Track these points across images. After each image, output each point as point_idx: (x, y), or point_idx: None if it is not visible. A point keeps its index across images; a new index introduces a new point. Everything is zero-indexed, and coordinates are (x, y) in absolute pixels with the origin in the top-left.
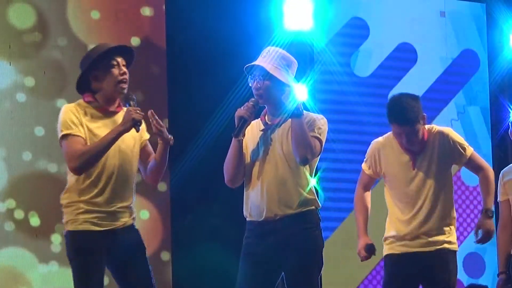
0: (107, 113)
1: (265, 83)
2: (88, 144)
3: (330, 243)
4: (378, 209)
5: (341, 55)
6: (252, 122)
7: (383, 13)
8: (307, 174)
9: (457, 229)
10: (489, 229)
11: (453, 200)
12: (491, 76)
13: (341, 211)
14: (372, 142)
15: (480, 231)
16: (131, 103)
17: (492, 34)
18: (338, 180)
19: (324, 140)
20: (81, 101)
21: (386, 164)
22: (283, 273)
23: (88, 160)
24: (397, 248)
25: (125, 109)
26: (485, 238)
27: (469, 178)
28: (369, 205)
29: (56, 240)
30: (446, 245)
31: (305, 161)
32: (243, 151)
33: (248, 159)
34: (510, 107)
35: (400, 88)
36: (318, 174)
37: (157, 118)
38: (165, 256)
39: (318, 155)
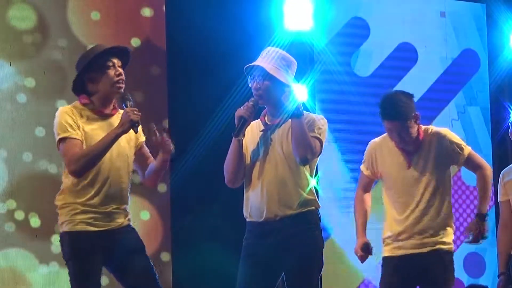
0: (103, 116)
1: (265, 84)
2: (84, 146)
3: (330, 243)
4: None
5: (341, 54)
6: (252, 122)
7: (383, 13)
8: (307, 174)
9: (457, 229)
10: (480, 232)
11: (451, 201)
12: (491, 76)
13: (341, 210)
14: (369, 143)
15: (471, 234)
16: (128, 103)
17: (492, 34)
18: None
19: (324, 140)
20: (77, 103)
21: (382, 164)
22: (283, 273)
23: (87, 163)
24: (393, 251)
25: (120, 111)
26: (476, 239)
27: (469, 178)
28: (369, 206)
29: (56, 241)
30: (440, 246)
31: (305, 161)
32: (243, 151)
33: (248, 159)
34: (510, 107)
35: (400, 88)
36: (318, 174)
37: (164, 137)
38: (165, 256)
39: (318, 155)
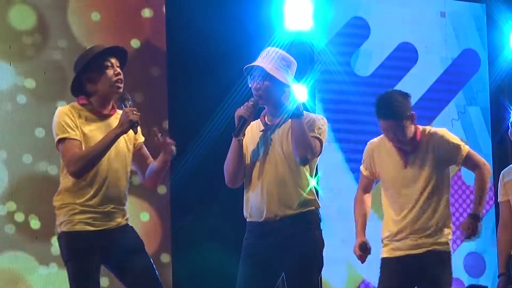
0: (101, 116)
1: (265, 84)
2: (83, 147)
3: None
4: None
5: (341, 54)
6: (252, 122)
7: (384, 12)
8: (307, 174)
9: (458, 229)
10: (472, 231)
11: (449, 201)
12: (491, 76)
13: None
14: (367, 143)
15: (464, 232)
16: (127, 103)
17: (492, 34)
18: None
19: (324, 140)
20: (75, 103)
21: (379, 164)
22: (283, 273)
23: (87, 164)
24: (391, 252)
25: (119, 111)
26: (468, 237)
27: (469, 177)
28: (369, 207)
29: (56, 242)
30: (435, 247)
31: (305, 161)
32: (243, 151)
33: (248, 159)
34: (510, 107)
35: (400, 87)
36: (318, 174)
37: (166, 139)
38: (165, 258)
39: (318, 155)
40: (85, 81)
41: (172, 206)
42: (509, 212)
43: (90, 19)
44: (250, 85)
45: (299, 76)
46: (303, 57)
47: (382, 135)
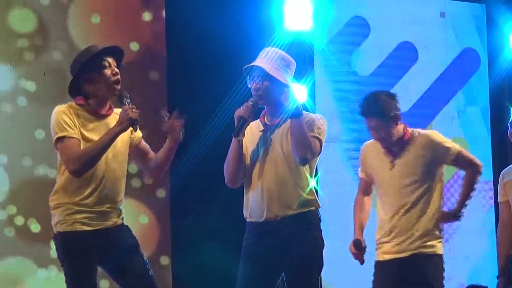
0: (99, 116)
1: (265, 84)
2: (81, 147)
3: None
4: None
5: (342, 53)
6: (251, 123)
7: (384, 12)
8: (307, 174)
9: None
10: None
11: (440, 204)
12: (491, 77)
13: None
14: (362, 145)
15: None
16: (125, 101)
17: (492, 34)
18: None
19: (324, 140)
20: (72, 103)
21: (370, 165)
22: (283, 273)
23: (87, 162)
24: (381, 255)
25: (116, 110)
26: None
27: None
28: (369, 209)
29: None
30: (421, 250)
31: (304, 161)
32: (243, 151)
33: (248, 160)
34: (510, 108)
35: (400, 86)
36: (318, 174)
37: (173, 121)
38: (165, 260)
39: (318, 155)
40: (83, 81)
41: (172, 207)
42: (509, 213)
43: (90, 22)
44: (249, 86)
45: (299, 76)
46: (304, 58)
47: None
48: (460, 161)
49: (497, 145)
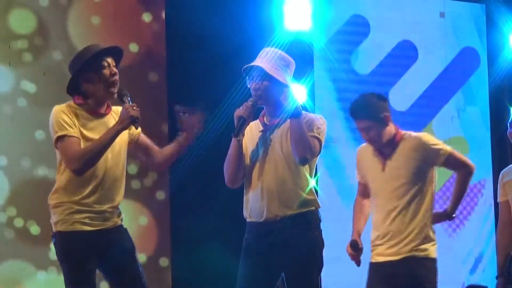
0: (98, 115)
1: (264, 84)
2: (81, 146)
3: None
4: None
5: (341, 52)
6: (251, 123)
7: (384, 10)
8: (307, 174)
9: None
10: (437, 222)
11: (432, 206)
12: (490, 77)
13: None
14: (357, 148)
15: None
16: (125, 99)
17: (492, 34)
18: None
19: (323, 140)
20: (71, 102)
21: (363, 167)
22: (283, 273)
23: (89, 161)
24: (375, 257)
25: (114, 108)
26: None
27: None
28: (368, 211)
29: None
30: (414, 253)
31: (304, 161)
32: (243, 152)
33: (247, 160)
34: (509, 108)
35: (400, 85)
36: (318, 174)
37: (189, 121)
38: (164, 262)
39: (318, 155)
40: (82, 81)
41: (172, 207)
42: (508, 213)
43: (89, 23)
44: (248, 86)
45: (299, 76)
46: (304, 57)
47: None
48: (451, 162)
49: (497, 144)
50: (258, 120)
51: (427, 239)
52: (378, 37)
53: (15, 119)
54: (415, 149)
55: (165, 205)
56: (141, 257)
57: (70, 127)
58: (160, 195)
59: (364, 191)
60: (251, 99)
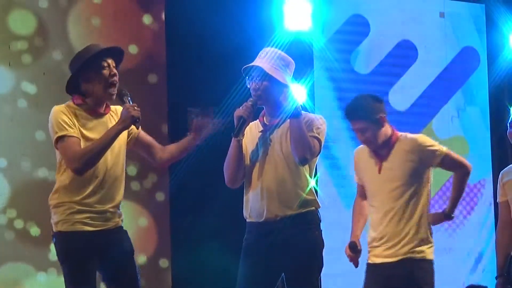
0: (97, 115)
1: (264, 84)
2: (81, 146)
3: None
4: None
5: (341, 52)
6: (251, 123)
7: (383, 10)
8: (307, 174)
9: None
10: (436, 223)
11: (427, 208)
12: (490, 76)
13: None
14: (355, 150)
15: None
16: (125, 98)
17: (492, 34)
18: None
19: (323, 140)
20: (70, 102)
21: (361, 169)
22: (283, 273)
23: (90, 160)
24: (372, 258)
25: (113, 108)
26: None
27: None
28: (367, 212)
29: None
30: (411, 255)
31: (304, 161)
32: (243, 152)
33: (247, 160)
34: (509, 107)
35: (400, 85)
36: (318, 174)
37: (200, 122)
38: (164, 263)
39: (317, 155)
40: (82, 80)
41: (172, 208)
42: (508, 213)
43: (89, 24)
44: (248, 86)
45: (299, 76)
46: (304, 57)
47: None
48: (448, 163)
49: (497, 144)
50: (258, 120)
51: (424, 241)
52: (378, 37)
53: (15, 120)
54: (411, 151)
55: (165, 206)
56: (141, 258)
57: (70, 127)
58: (160, 196)
59: (363, 192)
60: (251, 99)
